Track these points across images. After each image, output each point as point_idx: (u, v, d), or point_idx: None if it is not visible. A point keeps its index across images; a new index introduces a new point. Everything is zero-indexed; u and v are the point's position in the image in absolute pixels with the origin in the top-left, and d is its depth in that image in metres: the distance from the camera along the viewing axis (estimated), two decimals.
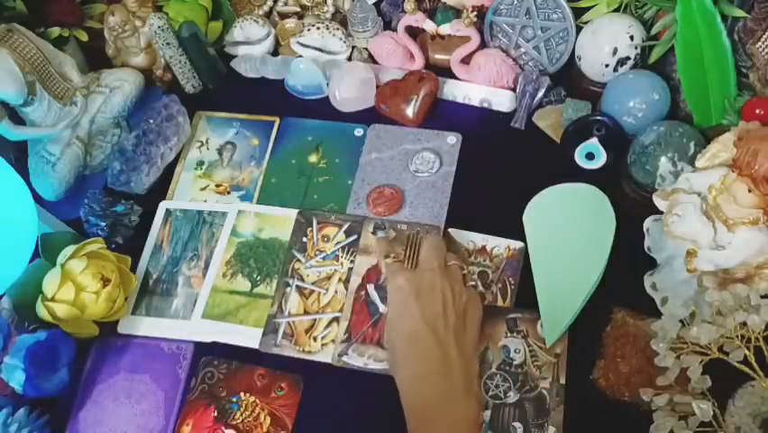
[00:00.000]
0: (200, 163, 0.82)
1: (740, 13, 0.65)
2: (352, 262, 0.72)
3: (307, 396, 0.65)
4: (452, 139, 0.79)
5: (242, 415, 0.64)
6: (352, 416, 0.64)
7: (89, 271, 0.65)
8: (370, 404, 0.63)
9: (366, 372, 0.65)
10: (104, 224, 0.75)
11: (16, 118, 0.77)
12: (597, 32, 0.75)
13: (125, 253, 0.72)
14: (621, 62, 0.75)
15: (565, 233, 0.68)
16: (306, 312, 0.70)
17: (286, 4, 0.93)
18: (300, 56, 0.87)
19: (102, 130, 0.82)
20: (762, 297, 0.53)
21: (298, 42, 0.88)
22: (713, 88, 0.69)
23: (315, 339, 0.68)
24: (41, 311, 0.64)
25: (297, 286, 0.71)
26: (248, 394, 0.65)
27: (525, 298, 0.67)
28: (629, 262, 0.66)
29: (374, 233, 0.71)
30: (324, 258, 0.73)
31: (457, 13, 0.84)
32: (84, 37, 0.86)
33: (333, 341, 0.67)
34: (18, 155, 0.81)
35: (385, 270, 0.64)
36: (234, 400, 0.65)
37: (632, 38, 0.74)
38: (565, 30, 0.78)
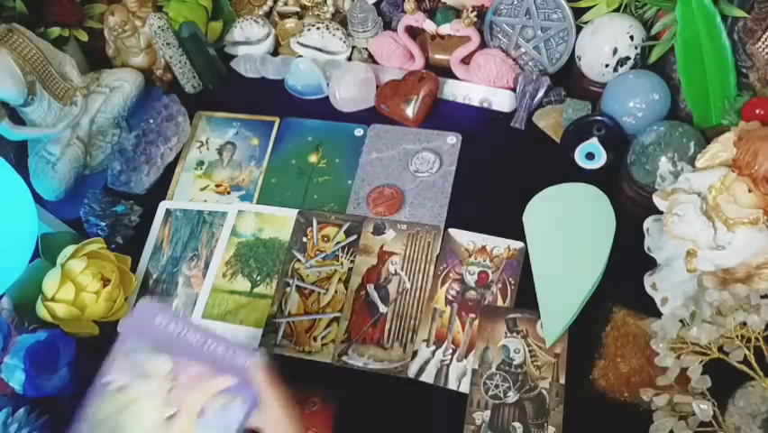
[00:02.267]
0: (200, 163, 0.83)
1: (740, 13, 0.65)
2: (351, 262, 0.72)
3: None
4: (452, 139, 0.79)
5: None
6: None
7: (89, 271, 0.65)
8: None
9: (366, 372, 0.65)
10: (104, 224, 0.75)
11: (16, 118, 0.78)
12: (597, 32, 0.75)
13: (125, 253, 0.72)
14: (621, 62, 0.75)
15: (565, 233, 0.68)
16: (306, 312, 0.70)
17: (286, 4, 0.93)
18: (300, 56, 0.87)
19: (102, 130, 0.82)
20: (762, 297, 0.53)
21: (298, 42, 0.88)
22: (713, 88, 0.69)
23: (315, 339, 0.68)
24: (41, 311, 0.64)
25: (297, 286, 0.71)
26: None
27: (525, 298, 0.67)
28: (629, 262, 0.66)
29: None
30: (324, 258, 0.73)
31: (457, 13, 0.84)
32: (84, 37, 0.86)
33: (333, 341, 0.67)
34: (18, 155, 0.81)
35: None
36: None
37: (632, 38, 0.74)
38: (565, 30, 0.78)
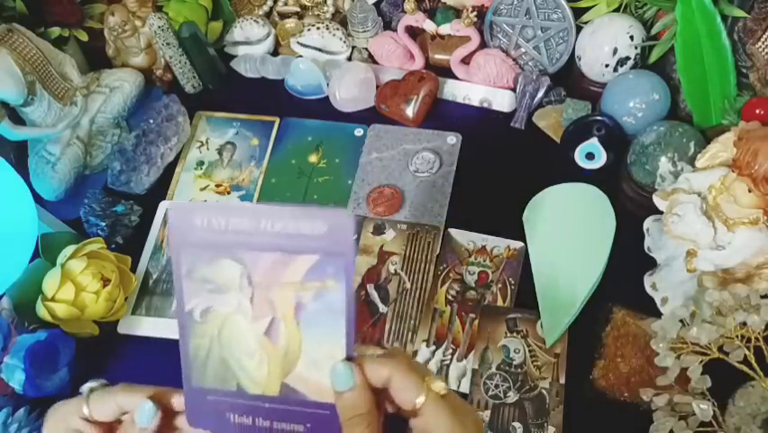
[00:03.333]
0: (200, 163, 0.82)
1: (740, 13, 0.65)
2: None
3: None
4: (452, 139, 0.79)
5: None
6: None
7: (89, 271, 0.65)
8: None
9: None
10: (104, 224, 0.75)
11: (16, 118, 0.77)
12: (597, 32, 0.75)
13: (125, 253, 0.72)
14: (621, 62, 0.75)
15: (565, 233, 0.68)
16: None
17: (286, 4, 0.93)
18: (300, 56, 0.87)
19: (102, 130, 0.82)
20: (762, 297, 0.53)
21: (298, 42, 0.88)
22: (713, 88, 0.69)
23: None
24: (41, 311, 0.64)
25: None
26: None
27: (525, 298, 0.67)
28: (629, 262, 0.66)
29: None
30: None
31: (457, 13, 0.84)
32: (84, 37, 0.86)
33: None
34: (18, 155, 0.81)
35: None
36: None
37: (632, 38, 0.74)
38: (565, 30, 0.78)
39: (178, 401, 0.39)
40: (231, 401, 0.38)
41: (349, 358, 0.36)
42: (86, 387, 0.40)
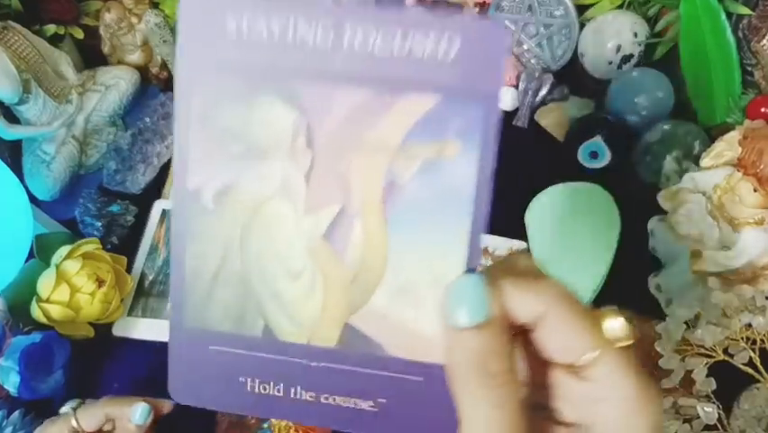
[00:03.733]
0: None
1: (745, 10, 0.64)
2: None
3: None
4: None
5: None
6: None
7: (84, 271, 0.64)
8: None
9: None
10: (99, 224, 0.74)
11: (11, 117, 0.77)
12: (600, 29, 0.74)
13: (121, 254, 0.71)
14: (625, 60, 0.74)
15: (568, 233, 0.67)
16: None
17: None
18: None
19: (97, 128, 0.82)
20: (767, 297, 0.52)
21: None
22: (718, 86, 0.68)
23: None
24: (36, 313, 0.64)
25: None
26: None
27: None
28: (633, 263, 0.65)
29: None
30: None
31: (458, 9, 0.83)
32: (79, 34, 0.85)
33: None
34: (12, 154, 0.80)
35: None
36: (265, 426, 0.62)
37: (636, 35, 0.73)
38: (568, 27, 0.78)
39: (167, 407, 0.41)
40: (250, 356, 0.22)
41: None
42: (67, 406, 0.44)
